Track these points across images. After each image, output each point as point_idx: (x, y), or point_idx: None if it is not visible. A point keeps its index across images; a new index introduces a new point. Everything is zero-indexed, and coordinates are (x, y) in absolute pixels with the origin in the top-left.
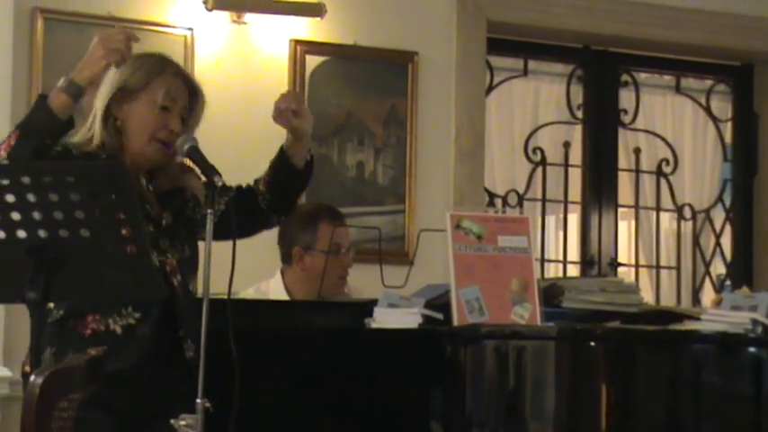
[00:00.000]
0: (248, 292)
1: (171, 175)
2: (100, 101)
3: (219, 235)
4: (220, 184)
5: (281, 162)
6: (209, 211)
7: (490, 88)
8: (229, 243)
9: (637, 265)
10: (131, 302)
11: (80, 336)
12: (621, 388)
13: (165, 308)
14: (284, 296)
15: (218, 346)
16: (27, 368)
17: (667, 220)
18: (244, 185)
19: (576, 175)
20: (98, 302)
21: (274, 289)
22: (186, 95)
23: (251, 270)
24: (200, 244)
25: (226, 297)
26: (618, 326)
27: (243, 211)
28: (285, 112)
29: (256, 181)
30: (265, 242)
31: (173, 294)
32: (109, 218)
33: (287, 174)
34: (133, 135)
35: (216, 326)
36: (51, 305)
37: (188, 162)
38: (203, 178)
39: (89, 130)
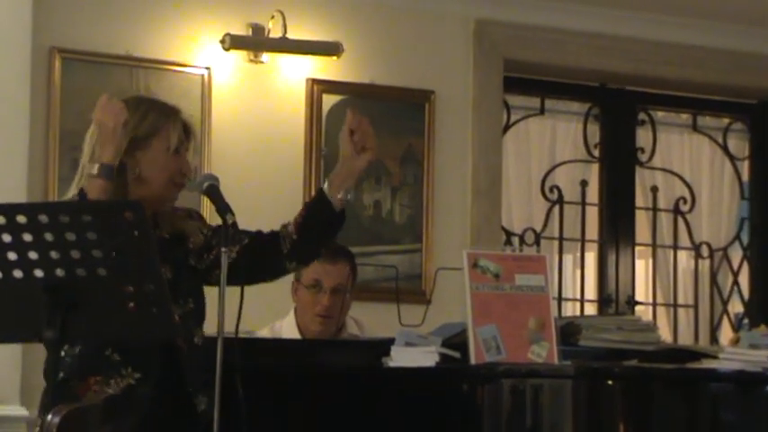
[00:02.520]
0: (263, 332)
1: (171, 220)
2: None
3: (228, 281)
4: (231, 221)
5: (319, 203)
6: (222, 249)
7: (507, 127)
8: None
9: (654, 304)
10: (132, 363)
11: (81, 399)
12: (639, 427)
13: (167, 366)
14: (296, 335)
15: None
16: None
17: (685, 258)
18: (266, 231)
19: (593, 214)
20: (113, 341)
21: (287, 328)
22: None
23: (268, 309)
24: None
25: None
26: (635, 364)
27: (259, 256)
28: (357, 144)
29: (285, 225)
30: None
31: (177, 350)
32: (125, 256)
33: (323, 215)
34: (152, 180)
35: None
36: None
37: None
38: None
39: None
